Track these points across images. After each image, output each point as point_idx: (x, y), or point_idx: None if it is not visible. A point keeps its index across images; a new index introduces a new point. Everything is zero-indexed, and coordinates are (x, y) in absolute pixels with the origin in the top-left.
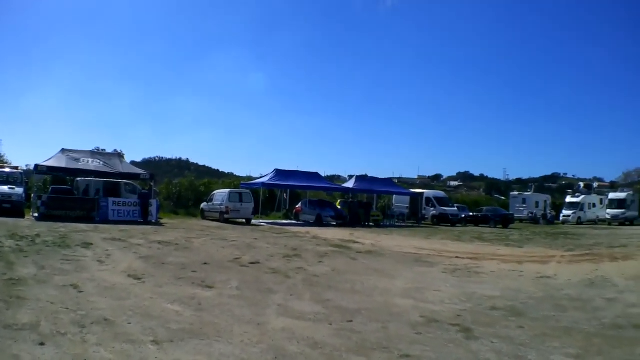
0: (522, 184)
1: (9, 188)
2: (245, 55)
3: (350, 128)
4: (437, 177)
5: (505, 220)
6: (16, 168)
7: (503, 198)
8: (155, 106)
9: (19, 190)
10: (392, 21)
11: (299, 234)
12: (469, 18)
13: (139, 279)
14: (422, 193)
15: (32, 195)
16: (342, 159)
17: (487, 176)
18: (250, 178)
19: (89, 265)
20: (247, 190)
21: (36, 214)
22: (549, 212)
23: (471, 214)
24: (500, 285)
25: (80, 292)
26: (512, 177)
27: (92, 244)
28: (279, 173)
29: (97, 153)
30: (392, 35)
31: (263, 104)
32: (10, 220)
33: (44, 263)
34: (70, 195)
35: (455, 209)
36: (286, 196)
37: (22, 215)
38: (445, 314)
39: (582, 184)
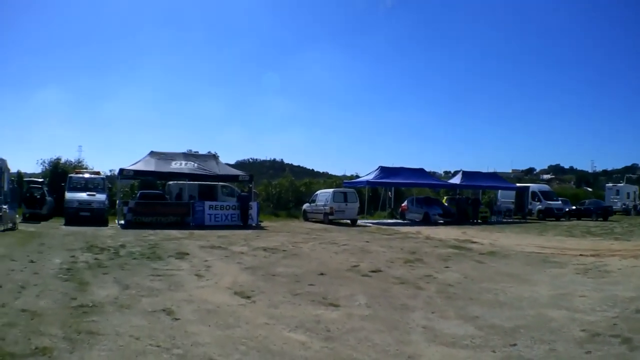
0: (607, 175)
1: (88, 195)
2: (335, 53)
3: (440, 124)
4: (530, 170)
5: (605, 213)
6: (97, 173)
7: (590, 190)
8: (246, 107)
9: (101, 196)
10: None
11: (410, 235)
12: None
13: (248, 297)
14: (528, 187)
15: (117, 201)
16: (432, 154)
17: (576, 168)
18: (348, 177)
19: (185, 280)
20: (352, 190)
21: (122, 222)
22: (638, 203)
23: (574, 207)
24: (632, 285)
25: (176, 319)
26: (599, 168)
27: (187, 253)
28: (384, 170)
29: (190, 155)
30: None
31: (354, 101)
32: (90, 230)
33: (128, 281)
34: (161, 199)
35: (560, 202)
36: (391, 194)
37: (105, 224)
38: (602, 324)
39: None
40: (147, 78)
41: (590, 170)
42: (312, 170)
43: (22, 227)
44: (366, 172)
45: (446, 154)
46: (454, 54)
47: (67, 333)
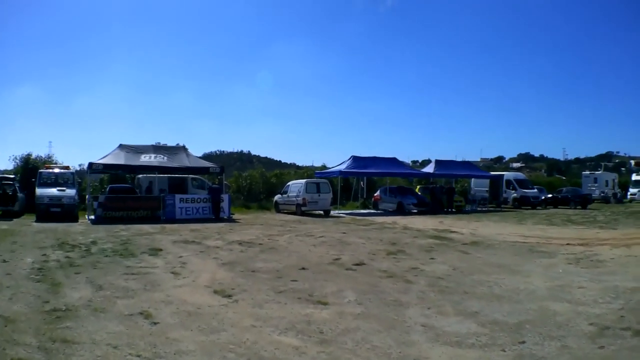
0: (580, 163)
1: (58, 190)
2: (304, 45)
3: (408, 112)
4: (499, 159)
5: (584, 201)
6: (67, 168)
7: (564, 178)
8: (215, 99)
9: (71, 191)
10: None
11: (387, 225)
12: None
13: (229, 296)
14: (502, 175)
15: (87, 196)
16: (401, 144)
17: (546, 156)
18: (317, 168)
19: (162, 279)
20: (325, 180)
21: (92, 217)
22: (618, 190)
23: (550, 195)
24: (630, 274)
25: (155, 323)
26: (571, 156)
27: (161, 249)
28: (356, 160)
29: (159, 147)
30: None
31: (323, 92)
32: (60, 226)
33: (101, 281)
34: (132, 193)
35: (536, 191)
36: (363, 184)
37: (75, 220)
38: (609, 317)
39: (632, 162)
40: (117, 72)
41: (561, 159)
42: (280, 161)
43: None
44: (334, 162)
45: (414, 144)
46: (423, 41)
47: (41, 342)
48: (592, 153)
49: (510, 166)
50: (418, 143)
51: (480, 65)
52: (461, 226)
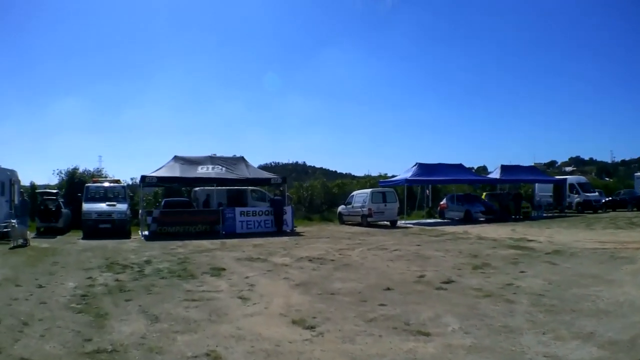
0: (625, 165)
1: (108, 205)
2: (352, 52)
3: (459, 119)
4: (552, 163)
5: None
6: (117, 181)
7: (611, 180)
8: (267, 110)
9: (122, 206)
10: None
11: (459, 235)
12: None
13: (312, 327)
14: (566, 179)
15: (140, 211)
16: (452, 150)
17: (595, 159)
18: (374, 178)
19: (228, 306)
20: (391, 189)
21: (145, 233)
22: None
23: (609, 198)
24: None
25: None
26: (618, 159)
27: (224, 269)
28: (422, 167)
29: (217, 158)
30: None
31: (374, 100)
32: (110, 243)
33: (157, 309)
34: (188, 207)
35: (597, 194)
36: (428, 192)
37: (127, 236)
38: None
39: None
40: (166, 83)
41: (609, 161)
42: (336, 171)
43: (35, 242)
44: (390, 171)
45: (465, 150)
46: (470, 49)
47: None
48: (635, 155)
49: (563, 170)
50: (469, 150)
51: (526, 72)
52: (535, 234)
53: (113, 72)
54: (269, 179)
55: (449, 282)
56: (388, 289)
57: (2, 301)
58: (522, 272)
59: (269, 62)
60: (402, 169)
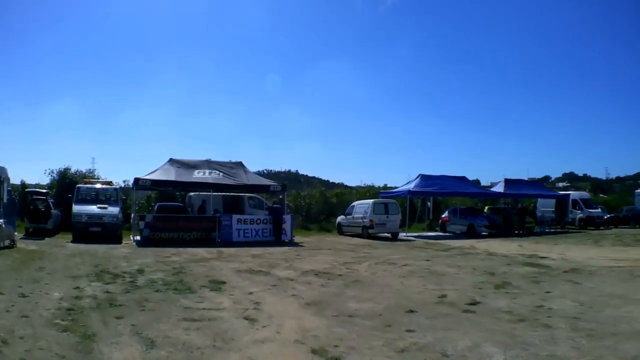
0: (621, 182)
1: (99, 207)
2: (347, 65)
3: (453, 133)
4: (545, 178)
5: None
6: (109, 183)
7: (606, 197)
8: (260, 119)
9: (113, 209)
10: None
11: (467, 250)
12: None
13: (336, 359)
14: (569, 195)
15: (132, 215)
16: (445, 163)
17: (590, 176)
18: (376, 189)
19: (234, 328)
20: (394, 201)
21: (138, 238)
22: None
23: (612, 214)
24: None
25: None
26: (612, 175)
27: (224, 282)
28: (425, 178)
29: (214, 163)
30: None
31: (368, 111)
32: (101, 248)
33: (153, 331)
34: (183, 213)
35: (600, 210)
36: (430, 204)
37: (118, 240)
38: None
39: None
40: (161, 89)
41: (604, 178)
42: (328, 181)
43: (22, 244)
44: (381, 182)
45: (458, 163)
46: (464, 64)
47: None
48: (630, 171)
49: (557, 186)
50: (462, 164)
51: (521, 86)
52: (545, 250)
53: (109, 75)
54: (268, 186)
55: (474, 303)
56: (411, 311)
57: None
58: (548, 292)
59: (266, 71)
60: (394, 181)
